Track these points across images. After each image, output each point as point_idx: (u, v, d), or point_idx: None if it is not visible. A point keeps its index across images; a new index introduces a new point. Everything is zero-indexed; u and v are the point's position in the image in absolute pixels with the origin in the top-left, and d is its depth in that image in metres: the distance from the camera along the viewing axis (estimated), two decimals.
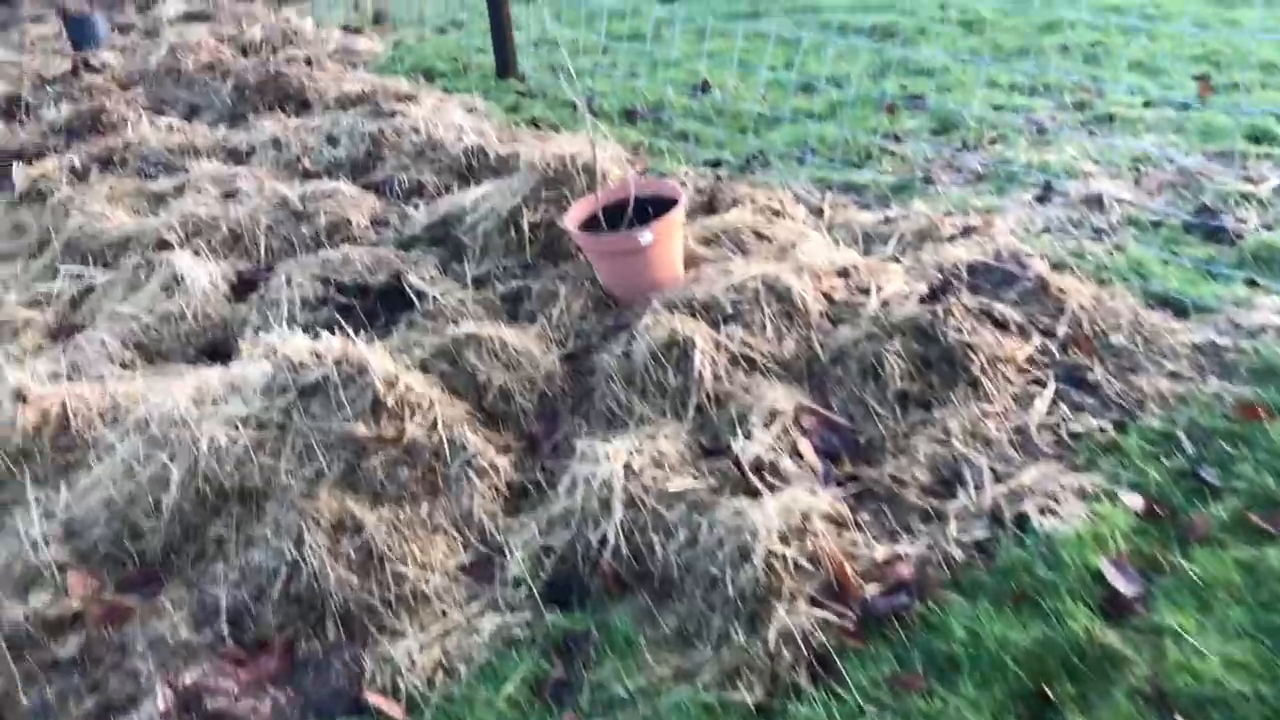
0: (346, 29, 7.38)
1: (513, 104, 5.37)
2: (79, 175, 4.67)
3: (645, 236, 2.76)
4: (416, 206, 3.79)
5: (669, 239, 2.83)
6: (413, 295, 2.95)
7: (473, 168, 4.02)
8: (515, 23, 5.83)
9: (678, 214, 2.83)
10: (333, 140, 4.49)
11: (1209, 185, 3.40)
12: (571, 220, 2.93)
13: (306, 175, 4.32)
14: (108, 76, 6.08)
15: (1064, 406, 2.36)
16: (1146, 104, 4.16)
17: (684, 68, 5.50)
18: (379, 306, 2.99)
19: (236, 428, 2.31)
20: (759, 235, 3.09)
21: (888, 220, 3.26)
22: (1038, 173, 3.68)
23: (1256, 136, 3.77)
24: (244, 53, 6.56)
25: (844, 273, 2.78)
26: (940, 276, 2.76)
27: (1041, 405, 2.34)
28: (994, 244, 2.96)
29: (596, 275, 2.93)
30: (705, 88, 5.15)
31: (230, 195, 3.99)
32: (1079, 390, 2.41)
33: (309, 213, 3.74)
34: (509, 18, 5.75)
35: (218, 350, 3.12)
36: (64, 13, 8.27)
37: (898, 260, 3.00)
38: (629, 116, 4.91)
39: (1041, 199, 3.51)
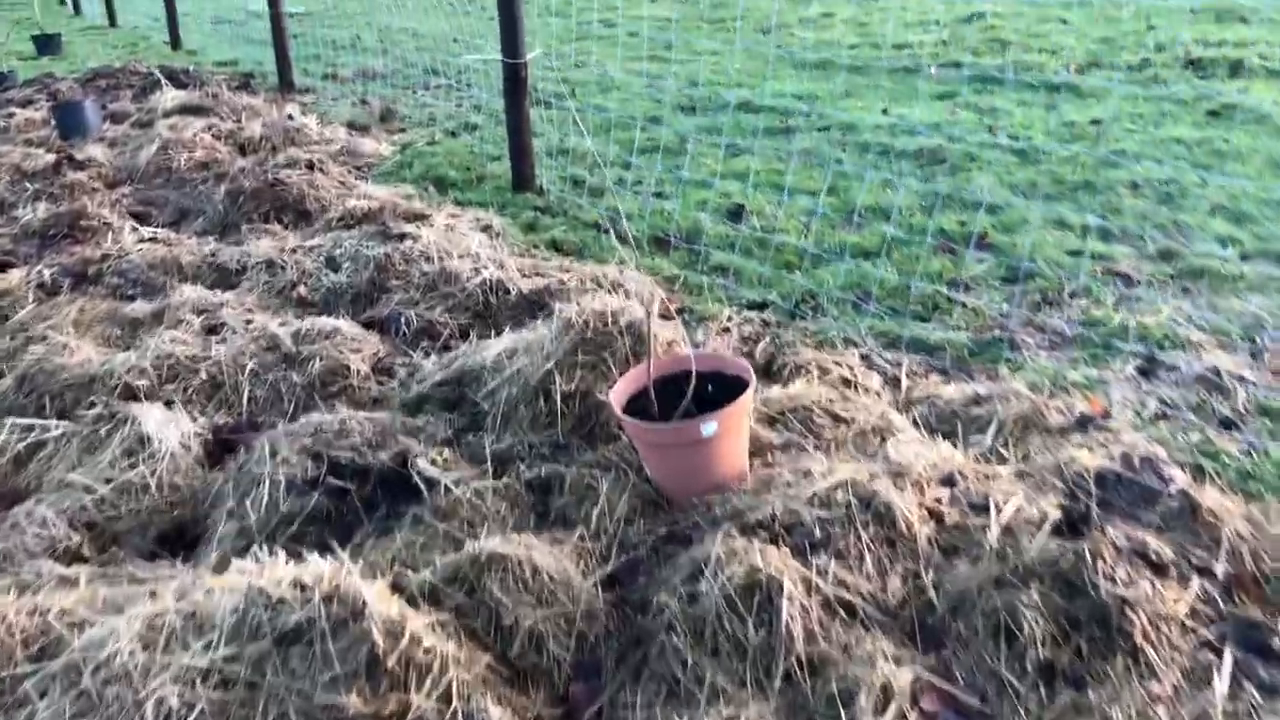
0: (352, 127, 7.00)
1: (530, 221, 4.94)
2: (48, 291, 4.19)
3: (709, 428, 2.28)
4: (426, 354, 3.32)
5: (735, 429, 2.35)
6: (421, 483, 2.45)
7: (491, 306, 3.56)
8: (533, 129, 5.43)
9: (746, 400, 2.35)
10: (334, 264, 4.03)
11: None
12: (617, 398, 2.45)
13: (302, 305, 3.85)
14: (93, 173, 5.65)
15: (1249, 686, 1.85)
16: (1244, 257, 3.74)
17: (715, 188, 5.09)
18: (380, 494, 2.49)
19: (194, 685, 1.79)
20: (834, 416, 2.61)
21: (979, 400, 2.78)
22: (1136, 340, 3.23)
23: None
24: (242, 151, 6.15)
25: (949, 480, 2.29)
26: (1065, 488, 2.28)
27: (1221, 685, 1.84)
28: (1119, 443, 2.48)
29: (645, 466, 2.44)
30: (740, 213, 4.73)
31: (214, 330, 3.51)
32: (1263, 660, 1.91)
33: (302, 356, 3.26)
34: (528, 126, 5.35)
35: (184, 533, 2.61)
36: (54, 98, 7.89)
37: (1003, 458, 2.52)
38: (660, 244, 4.48)
39: (1146, 373, 3.05)
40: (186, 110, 6.94)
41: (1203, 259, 3.77)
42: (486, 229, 4.64)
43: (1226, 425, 2.75)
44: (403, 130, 6.93)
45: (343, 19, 12.69)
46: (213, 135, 6.18)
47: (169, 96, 7.43)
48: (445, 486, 2.42)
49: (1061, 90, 6.29)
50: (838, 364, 2.93)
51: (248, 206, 4.96)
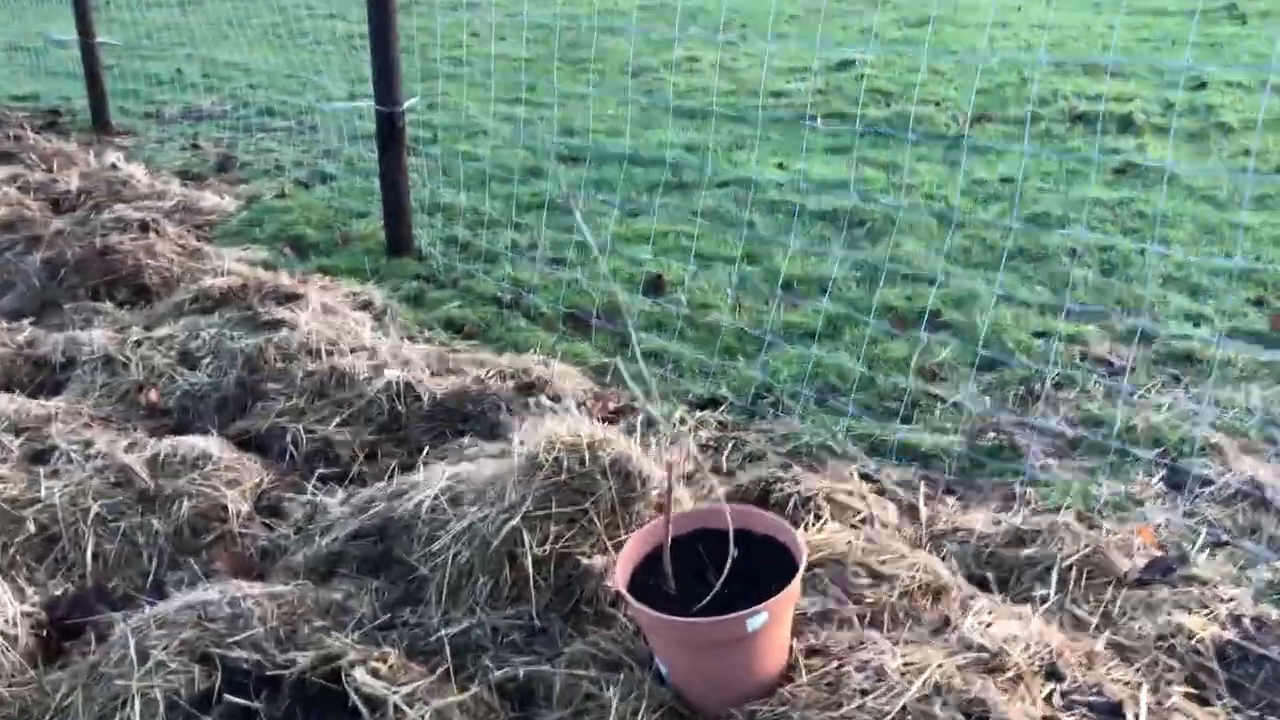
0: (186, 177, 6.17)
1: (415, 294, 4.30)
2: None
3: (757, 620, 1.74)
4: (325, 485, 2.66)
5: (783, 616, 1.82)
6: (360, 702, 1.81)
7: (400, 418, 2.92)
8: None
9: (798, 582, 1.82)
10: (190, 360, 3.30)
11: None
12: (621, 575, 1.88)
13: (154, 414, 3.12)
14: None
15: None
16: (1226, 338, 3.46)
17: (622, 254, 4.57)
18: (301, 717, 1.84)
19: None
20: (872, 572, 2.12)
21: (1022, 538, 2.34)
22: (1150, 444, 2.87)
23: None
24: (56, 207, 5.26)
25: (1054, 672, 1.82)
26: (1184, 667, 1.84)
27: None
28: (1216, 597, 2.07)
29: (660, 664, 1.87)
30: (659, 285, 4.22)
31: (41, 458, 2.74)
32: None
33: (163, 494, 2.56)
34: (406, 183, 4.71)
35: None
36: None
37: (1080, 621, 2.07)
38: (576, 325, 3.92)
39: (1176, 486, 2.68)
40: None
41: (1181, 341, 3.48)
42: (367, 306, 3.98)
43: None
44: (245, 181, 6.13)
45: (159, 51, 11.62)
46: (19, 189, 5.26)
47: None
48: (394, 707, 1.79)
49: (959, 146, 6.06)
50: (850, 494, 2.43)
51: (71, 280, 4.14)
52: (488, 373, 3.22)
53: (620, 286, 4.20)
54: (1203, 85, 6.97)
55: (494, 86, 8.71)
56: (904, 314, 3.81)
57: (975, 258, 4.37)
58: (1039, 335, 3.61)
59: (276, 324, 3.38)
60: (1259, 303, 3.77)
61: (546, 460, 2.14)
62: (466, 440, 2.77)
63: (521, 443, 2.23)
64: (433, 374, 3.18)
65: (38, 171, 5.73)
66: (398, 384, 2.97)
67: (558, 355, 3.59)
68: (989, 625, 1.91)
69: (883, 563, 2.15)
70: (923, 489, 2.63)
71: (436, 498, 2.28)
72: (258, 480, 2.67)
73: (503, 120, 7.37)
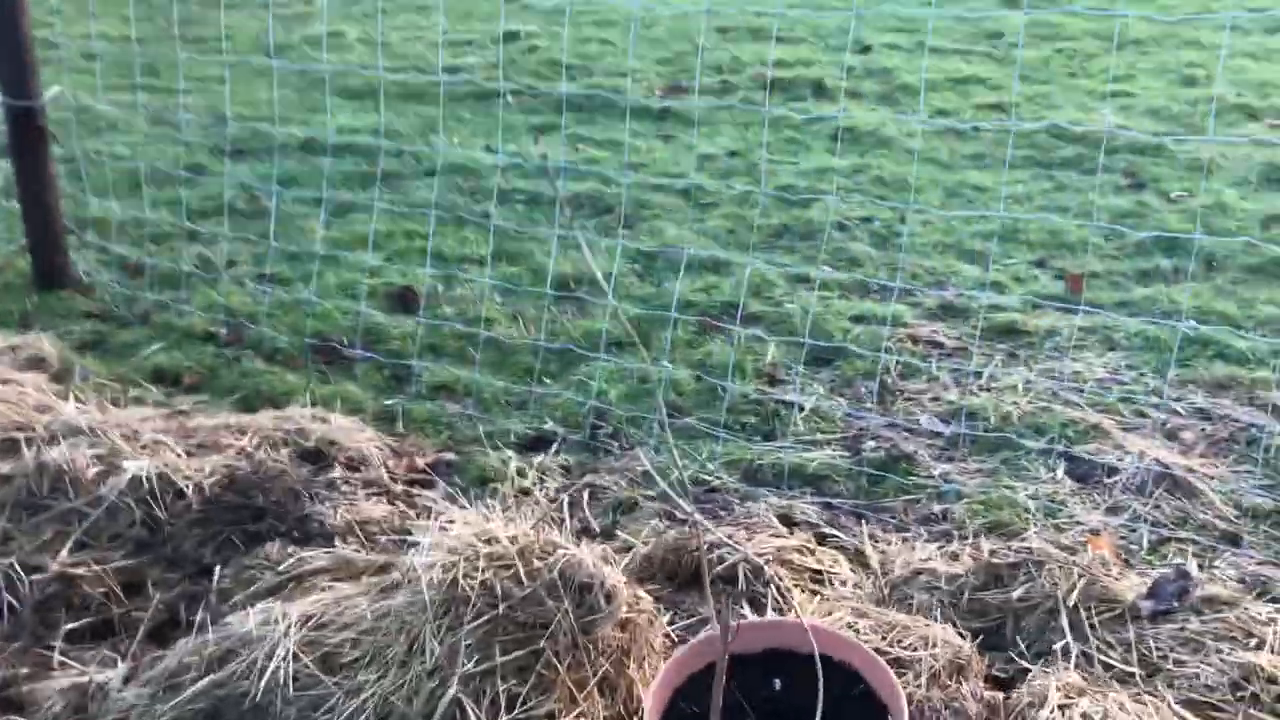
0: None
1: (94, 338, 3.37)
2: None
3: None
4: (88, 651, 1.85)
5: None
6: None
7: (161, 529, 2.13)
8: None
9: None
10: None
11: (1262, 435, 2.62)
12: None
13: None
14: None
15: None
16: (1035, 305, 3.37)
17: (343, 262, 3.84)
18: None
19: None
20: (892, 659, 1.70)
21: (998, 576, 2.02)
22: (1026, 430, 2.68)
23: (1204, 341, 3.11)
24: None
25: None
26: None
27: None
28: (1258, 623, 1.85)
29: None
30: (409, 299, 3.57)
31: None
32: None
33: None
34: (56, 196, 3.68)
35: None
36: None
37: (1127, 676, 1.77)
38: (329, 357, 3.19)
39: (1080, 478, 2.50)
40: None
41: (997, 314, 3.36)
42: (38, 364, 3.03)
43: (1232, 541, 2.26)
44: None
45: None
46: None
47: None
48: None
49: (668, 119, 5.78)
50: (802, 552, 2.00)
51: None
52: (252, 442, 2.47)
53: (363, 304, 3.49)
54: (868, 49, 7.16)
55: (103, 72, 7.38)
56: (707, 309, 3.43)
57: (742, 238, 4.08)
58: (856, 320, 3.36)
59: None
60: (1041, 264, 3.75)
61: (470, 586, 1.52)
62: (273, 550, 2.04)
63: (430, 563, 1.58)
64: (184, 453, 2.38)
65: None
66: (146, 479, 2.16)
67: (321, 404, 2.87)
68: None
69: (889, 640, 1.74)
70: (864, 529, 2.25)
71: (295, 657, 1.58)
72: None
73: (131, 110, 6.20)
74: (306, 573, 1.93)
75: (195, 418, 2.68)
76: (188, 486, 2.20)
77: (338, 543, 2.06)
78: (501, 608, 1.51)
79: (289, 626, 1.63)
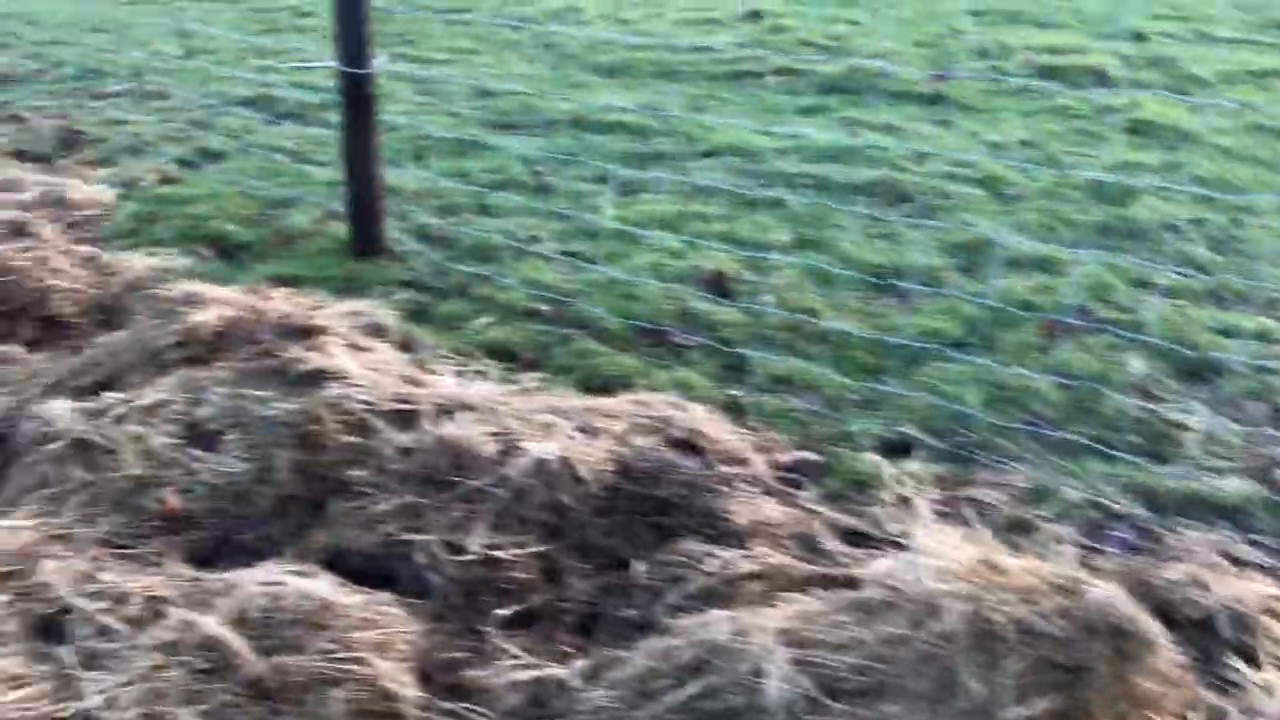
0: (23, 158, 4.88)
1: (417, 308, 3.38)
2: None
3: None
4: (517, 636, 1.80)
5: None
6: None
7: (566, 513, 2.08)
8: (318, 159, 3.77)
9: None
10: (204, 438, 2.32)
11: None
12: None
13: (175, 526, 2.14)
14: None
15: None
16: None
17: (641, 243, 3.78)
18: None
19: None
20: None
21: None
22: None
23: None
24: None
25: None
26: None
27: None
28: None
29: None
30: (721, 284, 3.47)
31: (54, 630, 1.76)
32: None
33: (289, 683, 1.65)
34: (378, 166, 3.73)
35: None
36: None
37: None
38: (654, 342, 3.12)
39: None
40: None
41: None
42: (379, 332, 3.05)
43: None
44: (108, 163, 4.90)
45: None
46: None
47: None
48: None
49: (940, 103, 5.54)
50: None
51: None
52: (623, 426, 2.40)
53: (671, 285, 3.41)
54: (1143, 37, 6.72)
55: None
56: (1047, 310, 3.22)
57: (1061, 235, 3.83)
58: (1221, 332, 3.09)
59: (315, 376, 2.44)
60: None
61: (999, 619, 1.39)
62: (689, 547, 1.96)
63: (925, 587, 1.47)
64: (563, 436, 2.33)
65: None
66: (553, 463, 2.12)
67: (670, 390, 2.79)
68: None
69: None
70: None
71: (790, 679, 1.48)
72: (409, 639, 1.79)
73: (397, 79, 6.32)
74: (736, 576, 1.84)
75: (541, 397, 2.63)
76: (584, 472, 2.14)
77: (756, 546, 1.97)
78: (1042, 647, 1.38)
79: (771, 641, 1.54)
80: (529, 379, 2.88)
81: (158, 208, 4.25)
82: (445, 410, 2.32)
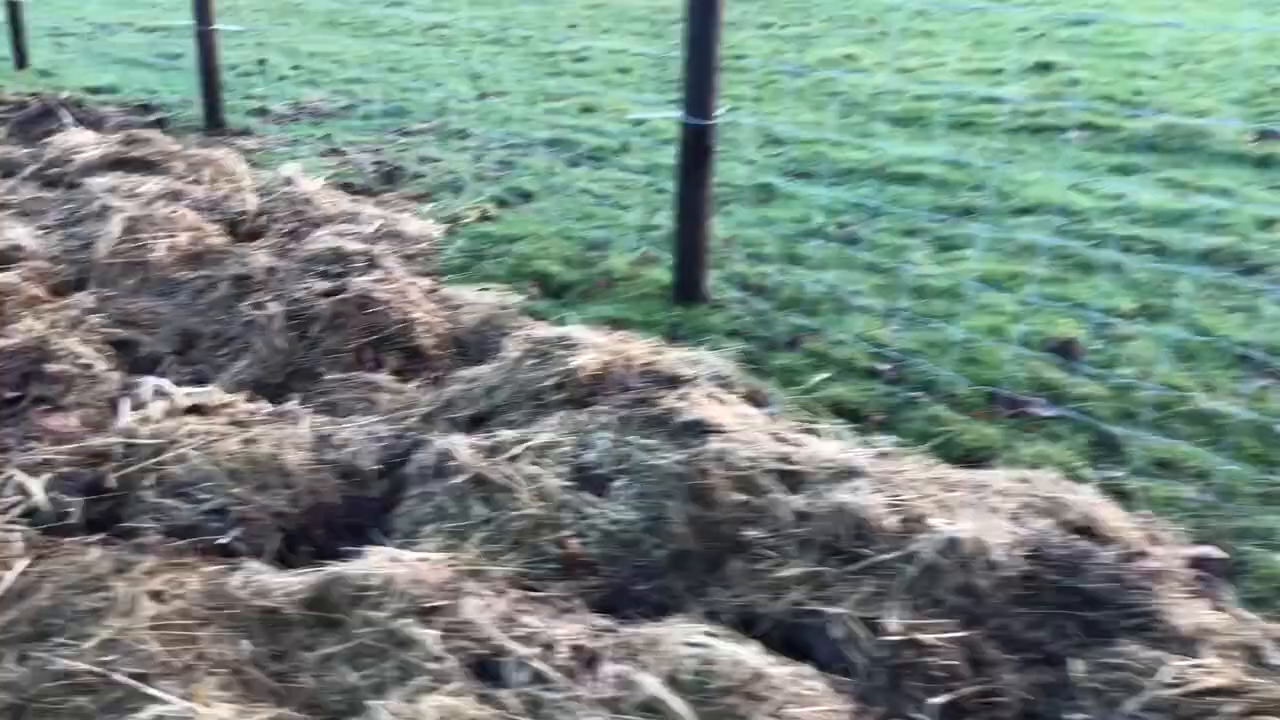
0: (350, 190, 5.18)
1: (748, 358, 3.34)
2: (47, 529, 2.34)
3: None
4: None
5: None
6: None
7: (981, 598, 1.97)
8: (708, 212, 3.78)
9: None
10: (593, 482, 2.34)
11: None
12: None
13: (573, 570, 2.15)
14: (28, 271, 3.66)
15: None
16: None
17: (970, 302, 3.64)
18: None
19: None
20: None
21: None
22: None
23: None
24: (234, 231, 4.28)
25: None
26: None
27: None
28: None
29: None
30: (1072, 352, 3.29)
31: (490, 671, 1.79)
32: None
33: None
34: (710, 213, 3.74)
35: None
36: None
37: None
38: (1011, 409, 2.98)
39: None
40: (120, 164, 4.95)
41: None
42: (724, 384, 3.02)
43: None
44: (426, 197, 5.15)
45: (247, 37, 10.57)
46: (190, 208, 4.27)
47: (77, 140, 5.40)
48: None
49: (1274, 166, 5.15)
50: None
51: (326, 339, 3.16)
52: (1016, 507, 2.27)
53: (1012, 348, 3.26)
54: None
55: (638, 84, 7.77)
56: None
57: None
58: None
59: (695, 428, 2.43)
60: None
61: None
62: (1133, 651, 1.82)
63: None
64: (981, 511, 2.22)
65: (188, 183, 4.73)
66: (965, 543, 2.02)
67: (1034, 464, 2.64)
68: None
69: None
70: None
71: None
72: None
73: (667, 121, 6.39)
74: (1201, 691, 1.69)
75: (917, 466, 2.53)
76: (994, 554, 2.03)
77: (1204, 655, 1.81)
78: None
79: None
80: (882, 442, 2.79)
81: (483, 244, 4.41)
82: (833, 474, 2.26)
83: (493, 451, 2.38)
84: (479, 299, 3.68)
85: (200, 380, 3.11)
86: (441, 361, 3.20)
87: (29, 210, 4.52)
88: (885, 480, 2.23)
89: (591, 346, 2.72)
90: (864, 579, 2.01)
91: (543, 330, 2.99)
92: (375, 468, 2.56)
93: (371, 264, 3.75)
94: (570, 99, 7.34)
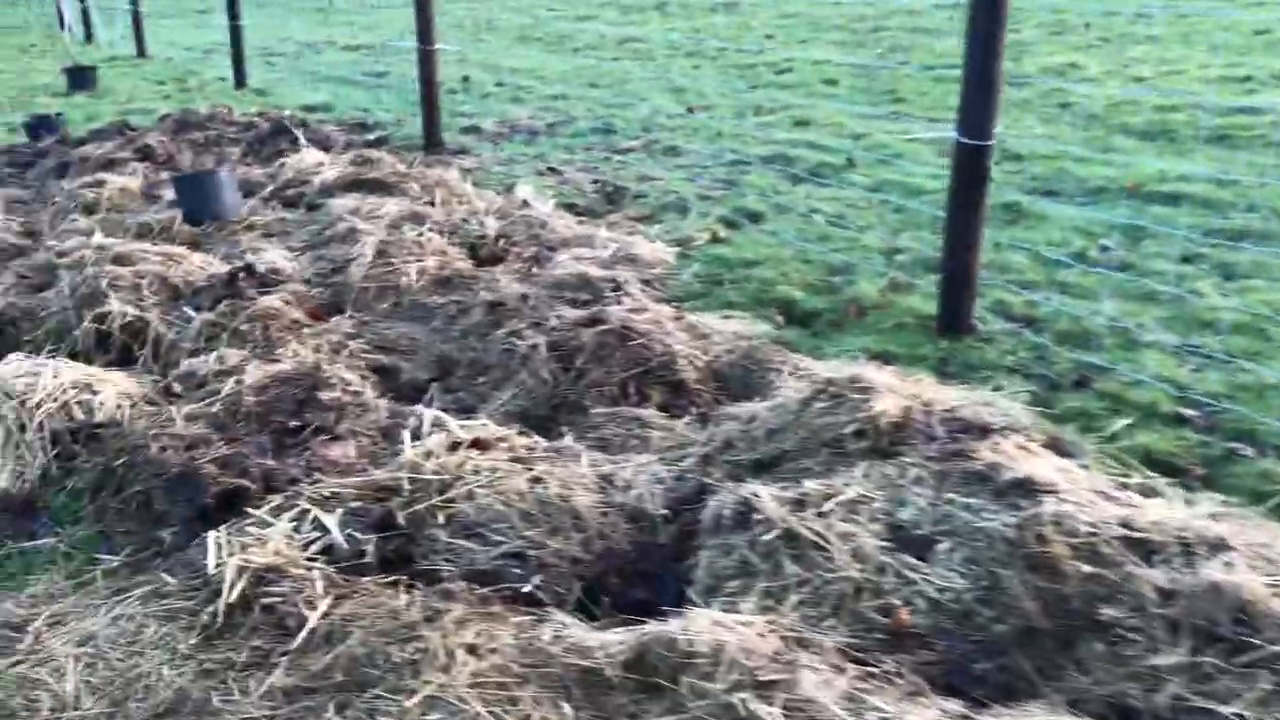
0: (573, 210, 5.14)
1: (1030, 399, 3.09)
2: (342, 568, 2.30)
3: None
4: None
5: None
6: None
7: None
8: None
9: None
10: (911, 542, 2.15)
11: None
12: None
13: (902, 643, 1.98)
14: (287, 295, 3.71)
15: None
16: None
17: (1273, 338, 3.29)
18: None
19: None
20: None
21: None
22: None
23: None
24: (474, 254, 4.27)
25: None
26: None
27: None
28: None
29: None
30: None
31: None
32: None
33: None
34: (980, 230, 3.51)
35: None
36: (145, 156, 5.97)
37: None
38: None
39: None
40: (356, 185, 5.03)
41: None
42: (1022, 431, 2.77)
43: None
44: (651, 219, 5.06)
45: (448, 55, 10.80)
46: (433, 231, 4.29)
47: (311, 160, 5.53)
48: None
49: None
50: None
51: (591, 372, 3.08)
52: None
53: None
54: None
55: (848, 95, 7.53)
56: None
57: None
58: None
59: (1022, 486, 2.21)
60: None
61: None
62: None
63: None
64: None
65: (423, 205, 4.76)
66: None
67: None
68: None
69: None
70: None
71: None
72: None
73: (909, 142, 6.14)
74: None
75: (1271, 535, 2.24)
76: None
77: None
78: None
79: None
80: (1206, 500, 2.51)
81: (720, 268, 4.28)
82: (1190, 544, 2.01)
83: (799, 504, 2.22)
84: (724, 327, 3.55)
85: (465, 410, 3.08)
86: (702, 396, 3.07)
87: (274, 231, 4.63)
88: (1257, 554, 1.97)
89: (886, 389, 2.53)
90: (1257, 673, 1.76)
91: (823, 367, 2.82)
92: (662, 512, 2.44)
93: (618, 291, 3.66)
94: (780, 112, 7.17)
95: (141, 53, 12.52)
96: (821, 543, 2.14)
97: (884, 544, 2.15)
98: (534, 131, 7.19)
